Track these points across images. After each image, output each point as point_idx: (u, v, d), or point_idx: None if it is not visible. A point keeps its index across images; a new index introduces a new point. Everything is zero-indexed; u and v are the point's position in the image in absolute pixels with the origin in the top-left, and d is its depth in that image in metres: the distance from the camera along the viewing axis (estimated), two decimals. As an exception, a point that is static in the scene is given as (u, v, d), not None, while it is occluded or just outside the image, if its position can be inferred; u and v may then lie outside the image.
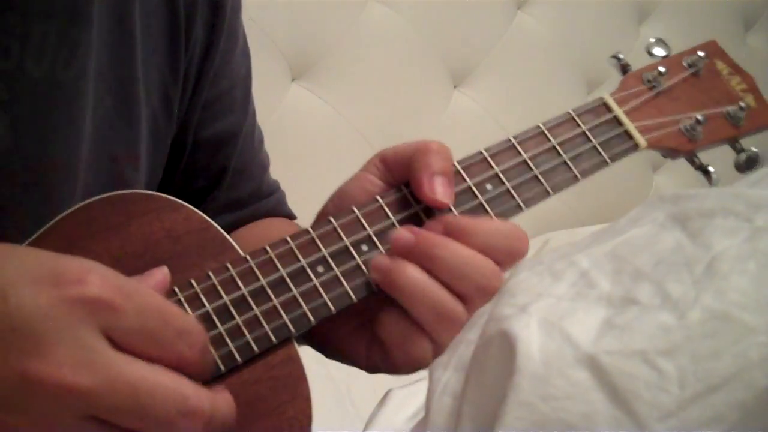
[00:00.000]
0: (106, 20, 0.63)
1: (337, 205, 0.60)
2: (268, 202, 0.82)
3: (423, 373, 0.50)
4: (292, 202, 1.44)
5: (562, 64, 1.70)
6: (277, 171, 1.44)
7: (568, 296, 0.41)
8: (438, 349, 0.54)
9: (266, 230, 0.78)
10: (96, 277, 0.43)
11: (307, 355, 0.72)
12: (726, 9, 1.91)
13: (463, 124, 1.58)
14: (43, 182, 0.61)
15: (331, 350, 0.61)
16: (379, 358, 0.57)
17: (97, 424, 0.43)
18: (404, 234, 0.55)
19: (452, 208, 0.59)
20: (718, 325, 0.38)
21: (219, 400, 0.46)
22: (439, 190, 0.57)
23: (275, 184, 0.85)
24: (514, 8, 1.67)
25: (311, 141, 1.48)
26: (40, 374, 0.41)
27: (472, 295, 0.54)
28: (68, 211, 0.55)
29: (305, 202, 1.46)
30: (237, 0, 0.75)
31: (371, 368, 0.59)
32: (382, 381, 0.67)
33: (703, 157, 0.71)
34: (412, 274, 0.54)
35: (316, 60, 1.46)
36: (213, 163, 0.76)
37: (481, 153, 0.62)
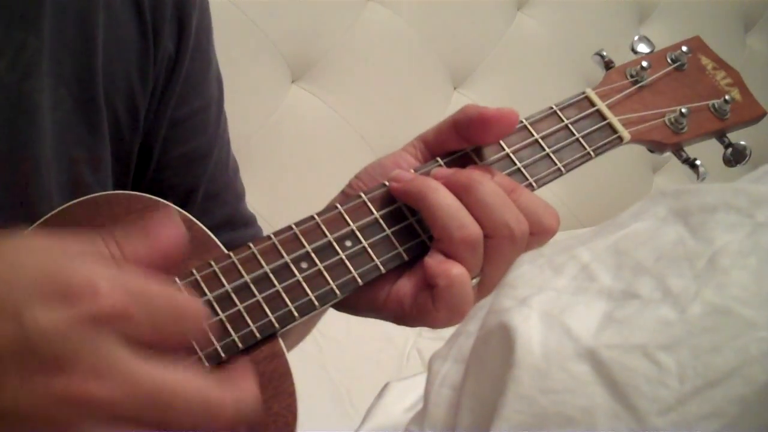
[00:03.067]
0: (68, 27, 0.64)
1: (369, 173, 0.64)
2: (244, 233, 0.81)
3: (421, 367, 0.50)
4: (291, 203, 1.44)
5: (562, 64, 1.70)
6: (276, 171, 1.45)
7: (568, 290, 0.41)
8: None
9: None
10: (105, 286, 0.43)
11: (307, 356, 0.72)
12: (726, 9, 1.92)
13: (462, 124, 1.58)
14: None
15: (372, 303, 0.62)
16: (428, 300, 0.59)
17: (125, 426, 0.43)
18: (444, 170, 0.61)
19: None
20: (719, 320, 0.38)
21: (243, 395, 0.46)
22: (493, 110, 0.61)
23: (252, 217, 0.85)
24: (514, 9, 1.67)
25: (311, 142, 1.49)
26: (67, 390, 0.41)
27: (498, 230, 0.57)
28: (51, 213, 0.55)
29: (304, 201, 1.46)
30: (206, 21, 0.76)
31: (415, 313, 0.60)
32: (382, 381, 0.67)
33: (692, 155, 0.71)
34: (440, 190, 0.58)
35: (315, 61, 1.46)
36: (182, 183, 0.76)
37: (465, 148, 0.63)
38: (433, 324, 0.59)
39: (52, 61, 0.63)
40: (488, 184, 0.58)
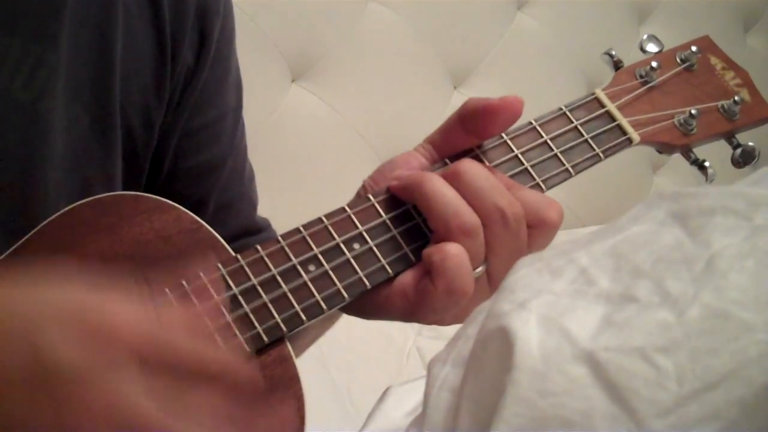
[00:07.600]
0: (86, 40, 0.63)
1: (382, 172, 0.63)
2: (257, 240, 0.81)
3: (421, 366, 0.50)
4: (291, 202, 1.44)
5: (562, 64, 1.70)
6: (277, 171, 1.45)
7: (567, 293, 0.41)
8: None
9: None
10: (125, 327, 0.43)
11: (307, 355, 0.72)
12: (726, 9, 1.92)
13: (463, 124, 1.58)
14: None
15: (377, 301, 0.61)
16: (428, 282, 0.58)
17: None
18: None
19: None
20: (717, 323, 0.38)
21: None
22: (497, 99, 0.61)
23: (265, 222, 0.84)
24: (514, 8, 1.67)
25: (311, 141, 1.49)
26: (75, 424, 0.41)
27: (490, 214, 0.56)
28: (57, 214, 0.55)
29: (304, 201, 1.46)
30: (230, 30, 0.74)
31: (419, 299, 0.59)
32: (382, 381, 0.67)
33: (701, 156, 0.71)
34: (434, 179, 0.58)
35: (316, 60, 1.46)
36: (192, 193, 0.75)
37: (473, 150, 0.63)
38: (434, 307, 0.57)
39: (68, 78, 0.62)
40: (478, 170, 0.58)
